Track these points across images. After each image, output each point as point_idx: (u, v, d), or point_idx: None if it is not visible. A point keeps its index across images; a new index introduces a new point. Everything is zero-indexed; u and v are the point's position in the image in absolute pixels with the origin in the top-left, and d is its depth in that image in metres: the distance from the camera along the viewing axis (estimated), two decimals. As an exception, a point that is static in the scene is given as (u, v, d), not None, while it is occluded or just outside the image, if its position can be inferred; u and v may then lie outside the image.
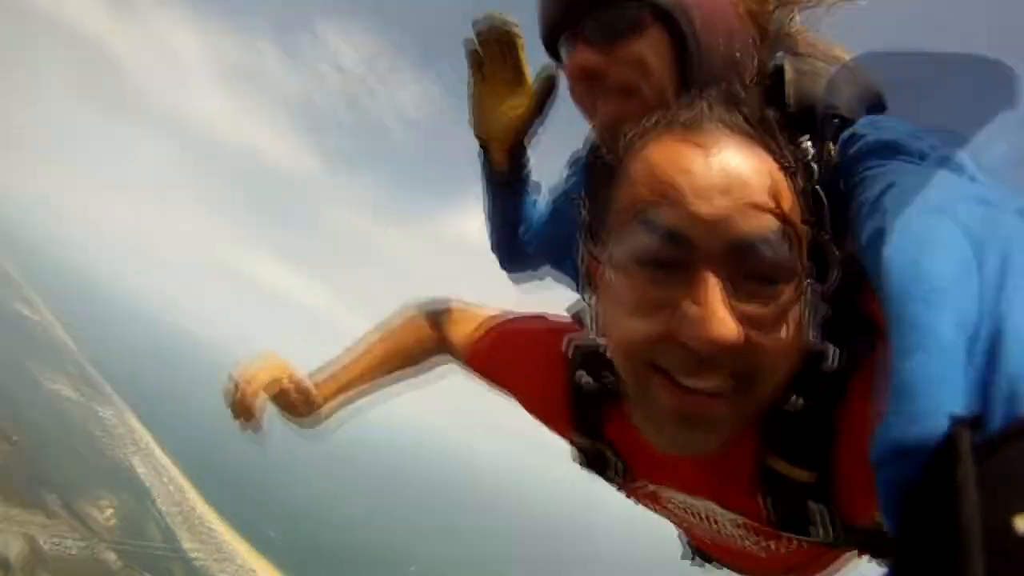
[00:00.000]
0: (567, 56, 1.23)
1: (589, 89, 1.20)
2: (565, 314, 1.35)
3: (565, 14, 1.20)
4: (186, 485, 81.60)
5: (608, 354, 0.97)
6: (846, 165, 0.95)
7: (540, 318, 1.45)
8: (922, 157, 0.84)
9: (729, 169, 0.83)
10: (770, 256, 0.81)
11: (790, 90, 1.11)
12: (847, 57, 1.17)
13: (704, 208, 0.80)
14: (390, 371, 1.77)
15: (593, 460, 1.28)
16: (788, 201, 0.85)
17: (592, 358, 1.15)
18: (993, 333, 0.52)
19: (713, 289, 0.78)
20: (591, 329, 1.06)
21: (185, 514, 74.98)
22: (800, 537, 1.05)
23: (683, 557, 1.56)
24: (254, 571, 72.51)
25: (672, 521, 1.38)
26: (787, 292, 0.83)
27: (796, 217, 0.85)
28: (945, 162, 0.80)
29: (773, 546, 1.15)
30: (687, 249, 0.81)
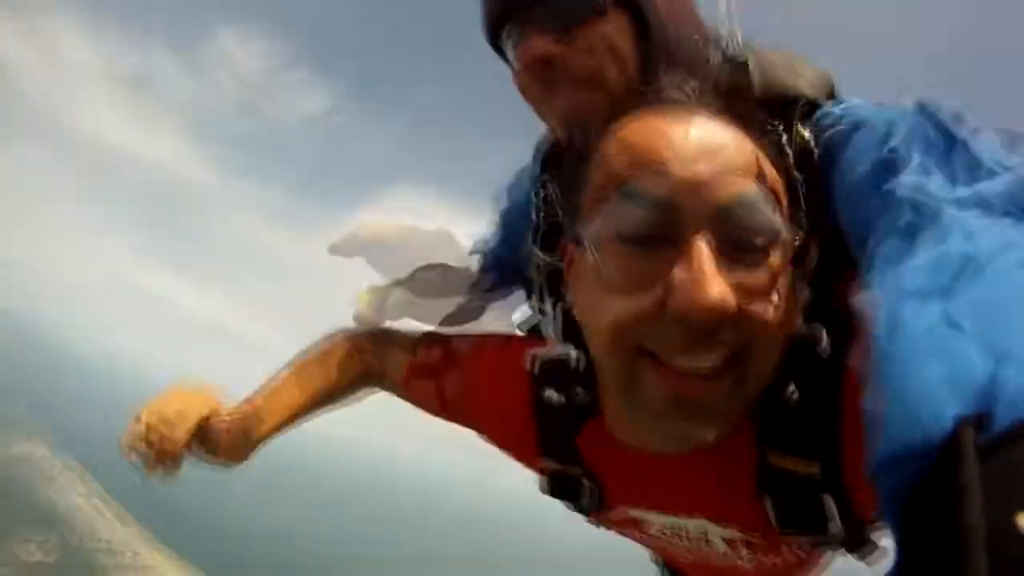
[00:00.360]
0: (516, 48, 1.14)
1: (544, 82, 1.11)
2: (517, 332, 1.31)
3: (513, 2, 1.12)
4: (121, 515, 79.81)
5: (578, 364, 0.98)
6: (825, 146, 0.95)
7: (489, 335, 1.40)
8: (901, 137, 0.83)
9: (709, 137, 0.82)
10: (757, 218, 0.79)
11: (755, 76, 1.06)
12: (800, 57, 1.14)
13: (688, 172, 0.78)
14: (313, 407, 1.52)
15: (564, 488, 1.19)
16: (769, 169, 0.84)
17: (559, 372, 1.08)
18: (994, 334, 0.51)
19: (703, 253, 0.75)
20: (554, 338, 1.05)
21: (118, 548, 73.66)
22: (814, 537, 0.99)
23: None
24: None
25: (651, 547, 1.35)
26: (775, 256, 0.80)
27: (778, 184, 0.85)
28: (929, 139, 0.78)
29: (764, 559, 1.11)
30: (673, 217, 0.78)
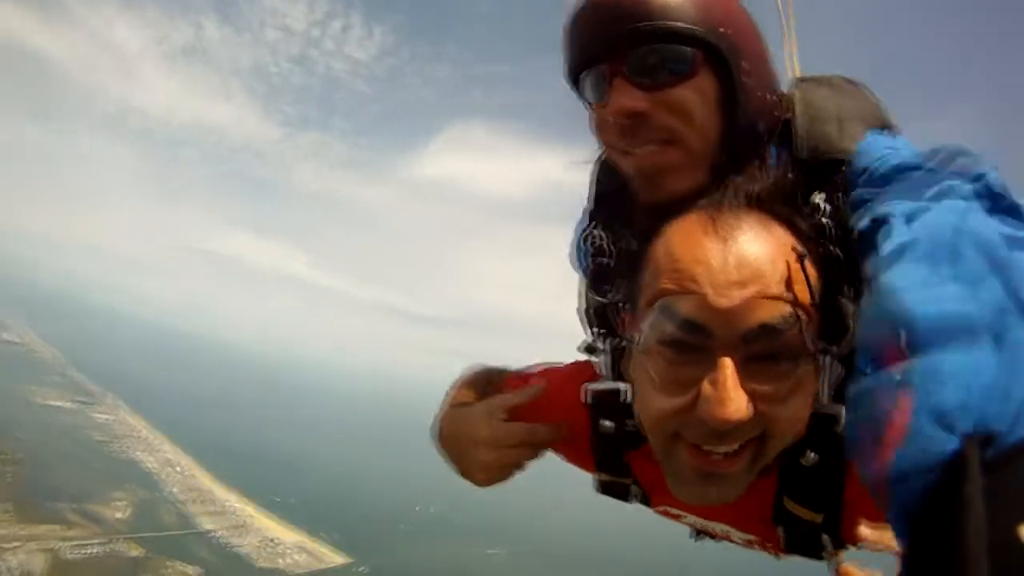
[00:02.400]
0: (599, 91, 1.15)
1: (627, 133, 1.12)
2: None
3: (605, 46, 1.10)
4: (194, 467, 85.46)
5: (628, 398, 1.13)
6: (853, 205, 1.02)
7: (554, 369, 1.57)
8: (924, 180, 0.91)
9: (746, 261, 0.91)
10: (782, 341, 0.90)
11: (802, 137, 1.11)
12: (850, 91, 1.17)
13: (721, 302, 0.89)
14: None
15: (615, 490, 1.42)
16: (801, 285, 0.92)
17: (611, 403, 1.22)
18: (1001, 355, 0.55)
19: (727, 373, 0.88)
20: (604, 371, 1.20)
21: (198, 496, 78.88)
22: (811, 559, 1.24)
23: (690, 537, 1.75)
24: (277, 537, 76.71)
25: (682, 525, 1.58)
26: (798, 369, 0.93)
27: (808, 300, 0.93)
28: (945, 185, 0.85)
29: (774, 551, 1.35)
30: (704, 337, 0.91)
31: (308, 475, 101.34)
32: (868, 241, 0.87)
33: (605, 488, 1.43)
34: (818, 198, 1.07)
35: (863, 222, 0.91)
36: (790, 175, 1.07)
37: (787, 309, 0.91)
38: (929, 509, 0.50)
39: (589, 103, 1.20)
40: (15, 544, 53.49)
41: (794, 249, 0.95)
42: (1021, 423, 0.50)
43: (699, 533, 1.65)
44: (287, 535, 77.21)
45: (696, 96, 1.07)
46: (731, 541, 1.49)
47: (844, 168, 1.08)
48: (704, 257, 0.93)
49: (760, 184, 1.00)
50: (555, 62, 1.24)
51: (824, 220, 1.04)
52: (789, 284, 0.91)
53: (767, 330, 0.90)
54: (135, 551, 60.72)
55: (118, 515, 66.55)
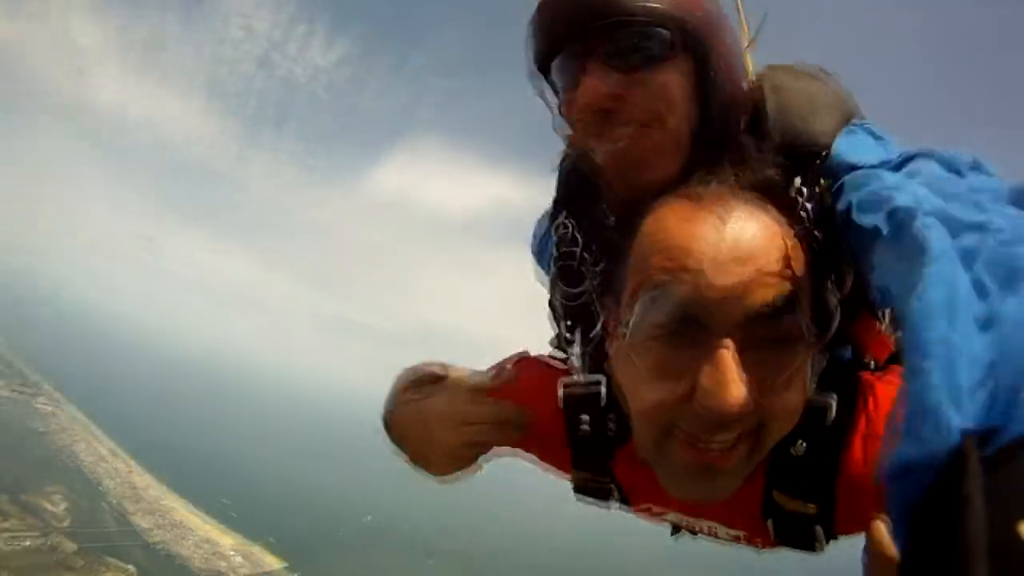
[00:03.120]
0: (573, 76, 1.10)
1: (602, 120, 1.08)
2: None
3: (581, 29, 1.05)
4: (132, 466, 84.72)
5: (608, 396, 1.09)
6: (834, 197, 0.99)
7: (525, 364, 1.47)
8: (899, 165, 0.92)
9: (743, 238, 0.86)
10: (781, 324, 0.86)
11: (774, 124, 1.08)
12: (818, 80, 1.15)
13: (719, 280, 0.84)
14: None
15: (592, 491, 1.35)
16: (799, 263, 0.89)
17: (587, 399, 1.19)
18: (1002, 350, 0.54)
19: (726, 359, 0.83)
20: (578, 364, 1.17)
21: (136, 494, 78.33)
22: (804, 552, 1.18)
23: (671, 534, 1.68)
24: (214, 539, 76.62)
25: (665, 524, 1.50)
26: (797, 354, 0.89)
27: (805, 278, 0.90)
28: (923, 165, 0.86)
29: (761, 547, 1.30)
30: (702, 320, 0.86)
31: (247, 480, 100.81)
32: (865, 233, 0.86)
33: (582, 489, 1.37)
34: (797, 182, 1.05)
35: (868, 219, 0.88)
36: (769, 160, 1.05)
37: (788, 289, 0.87)
38: (928, 507, 0.50)
39: (559, 90, 1.17)
40: (-52, 533, 53.23)
41: (788, 228, 0.92)
42: (1019, 419, 0.49)
43: (678, 530, 1.57)
44: (224, 539, 77.43)
45: (673, 78, 1.05)
46: (715, 537, 1.41)
47: (819, 159, 1.07)
48: (699, 236, 0.87)
49: (746, 167, 0.98)
50: (512, 77, 1.23)
51: (806, 205, 1.02)
52: (788, 262, 0.88)
53: (768, 311, 0.85)
54: (70, 546, 60.65)
55: (54, 508, 66.03)
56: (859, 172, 0.99)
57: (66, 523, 64.21)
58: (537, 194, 1.51)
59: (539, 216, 1.64)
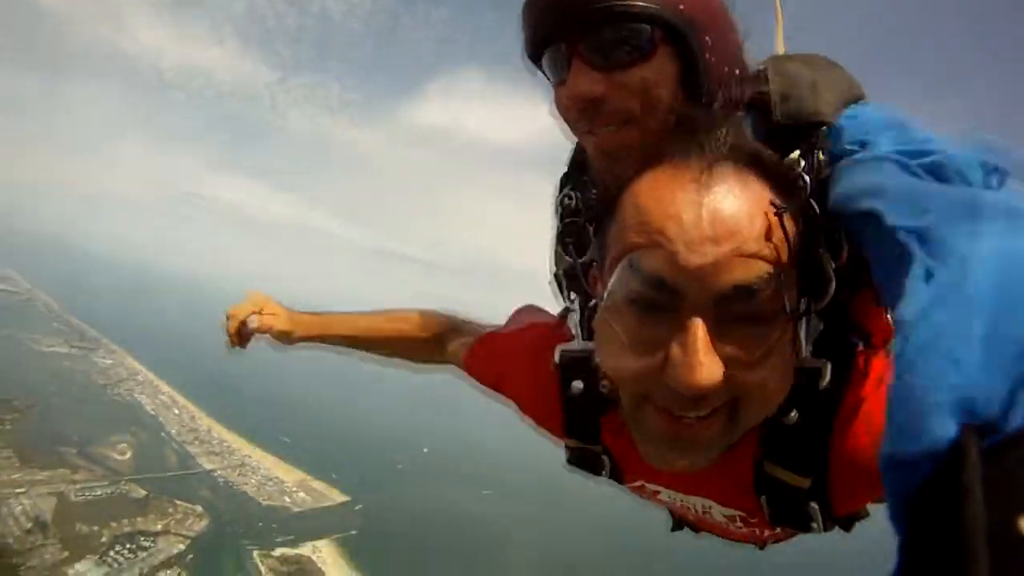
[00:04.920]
0: (558, 71, 1.13)
1: (586, 115, 1.11)
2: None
3: (562, 26, 1.08)
4: (194, 409, 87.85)
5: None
6: (834, 168, 0.99)
7: (532, 326, 1.53)
8: (901, 151, 0.88)
9: (721, 215, 0.84)
10: (758, 302, 0.84)
11: (776, 103, 1.09)
12: (823, 64, 1.16)
13: (693, 259, 0.82)
14: (381, 347, 1.97)
15: (584, 461, 1.35)
16: (779, 238, 0.87)
17: (584, 366, 1.19)
18: (1002, 340, 0.53)
19: (697, 335, 0.82)
20: (578, 331, 1.18)
21: (199, 437, 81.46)
22: (800, 531, 1.18)
23: (670, 527, 1.69)
24: (277, 476, 79.03)
25: (660, 506, 1.49)
26: (775, 331, 0.86)
27: (787, 255, 0.88)
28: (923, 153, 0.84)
29: (759, 531, 1.29)
30: (674, 296, 0.84)
31: (306, 415, 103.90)
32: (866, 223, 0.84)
33: (574, 459, 1.36)
34: (795, 154, 1.05)
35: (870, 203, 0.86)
36: (765, 132, 1.06)
37: (764, 268, 0.85)
38: (927, 499, 0.50)
39: (548, 80, 1.18)
40: (20, 490, 55.79)
41: (772, 203, 0.89)
42: (1019, 411, 0.49)
43: (677, 522, 1.61)
44: (288, 475, 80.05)
45: (655, 76, 1.05)
46: (712, 530, 1.42)
47: (821, 131, 1.06)
48: (675, 211, 0.86)
49: (735, 134, 0.95)
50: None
51: (802, 174, 1.02)
52: (767, 240, 0.86)
53: (742, 291, 0.84)
54: (139, 492, 63.37)
55: (121, 457, 69.05)
56: (857, 156, 0.98)
57: (133, 470, 66.95)
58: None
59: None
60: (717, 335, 0.84)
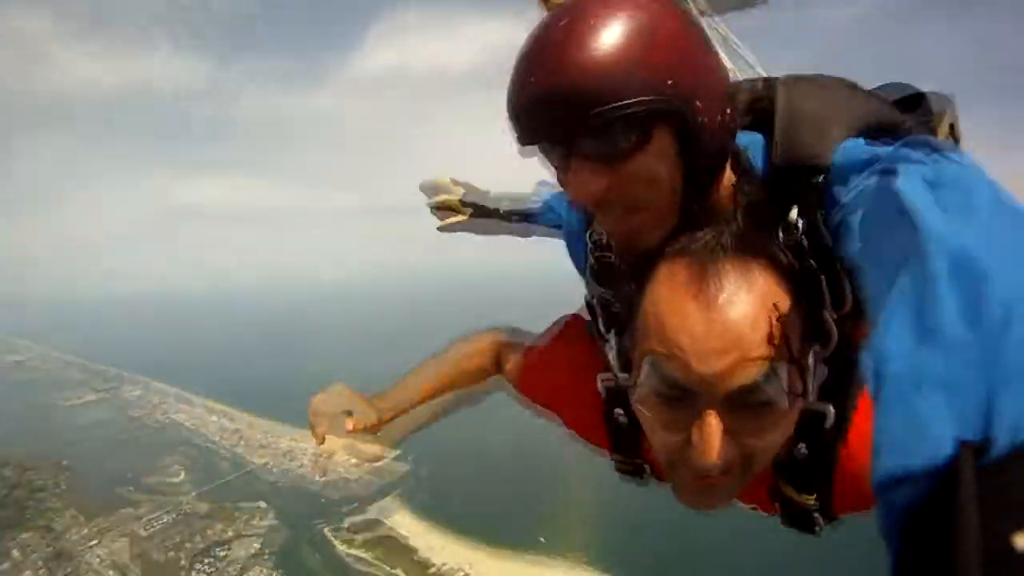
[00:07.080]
0: (557, 164, 1.12)
1: (589, 207, 1.14)
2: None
3: (557, 132, 1.06)
4: (230, 410, 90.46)
5: None
6: (839, 217, 1.02)
7: (572, 346, 1.65)
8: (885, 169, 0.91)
9: (727, 327, 0.97)
10: (763, 395, 0.99)
11: (777, 146, 1.10)
12: (836, 92, 1.15)
13: (703, 368, 0.97)
14: (449, 391, 2.04)
15: (631, 471, 1.57)
16: (781, 338, 0.99)
17: (624, 397, 1.34)
18: (996, 361, 0.54)
19: (711, 426, 0.99)
20: (613, 362, 1.28)
21: (242, 435, 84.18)
22: (807, 533, 1.41)
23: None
24: (331, 453, 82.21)
25: None
26: (777, 410, 1.01)
27: (788, 355, 1.00)
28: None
29: (771, 513, 1.48)
30: (690, 395, 1.01)
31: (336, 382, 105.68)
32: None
33: (621, 468, 1.57)
34: (793, 214, 1.08)
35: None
36: (763, 194, 1.12)
37: (767, 367, 0.98)
38: (922, 517, 0.50)
39: (549, 162, 1.16)
40: (93, 543, 58.98)
41: (775, 305, 1.00)
42: (1014, 429, 0.50)
43: None
44: (333, 445, 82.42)
45: (654, 160, 1.05)
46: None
47: (821, 176, 1.06)
48: (687, 325, 0.99)
49: (735, 227, 1.06)
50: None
51: (801, 238, 1.07)
52: (770, 344, 0.98)
53: (746, 390, 0.98)
54: (202, 507, 66.27)
55: (176, 479, 71.99)
56: (845, 200, 1.01)
57: (190, 487, 69.95)
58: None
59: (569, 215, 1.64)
60: (729, 420, 0.99)
